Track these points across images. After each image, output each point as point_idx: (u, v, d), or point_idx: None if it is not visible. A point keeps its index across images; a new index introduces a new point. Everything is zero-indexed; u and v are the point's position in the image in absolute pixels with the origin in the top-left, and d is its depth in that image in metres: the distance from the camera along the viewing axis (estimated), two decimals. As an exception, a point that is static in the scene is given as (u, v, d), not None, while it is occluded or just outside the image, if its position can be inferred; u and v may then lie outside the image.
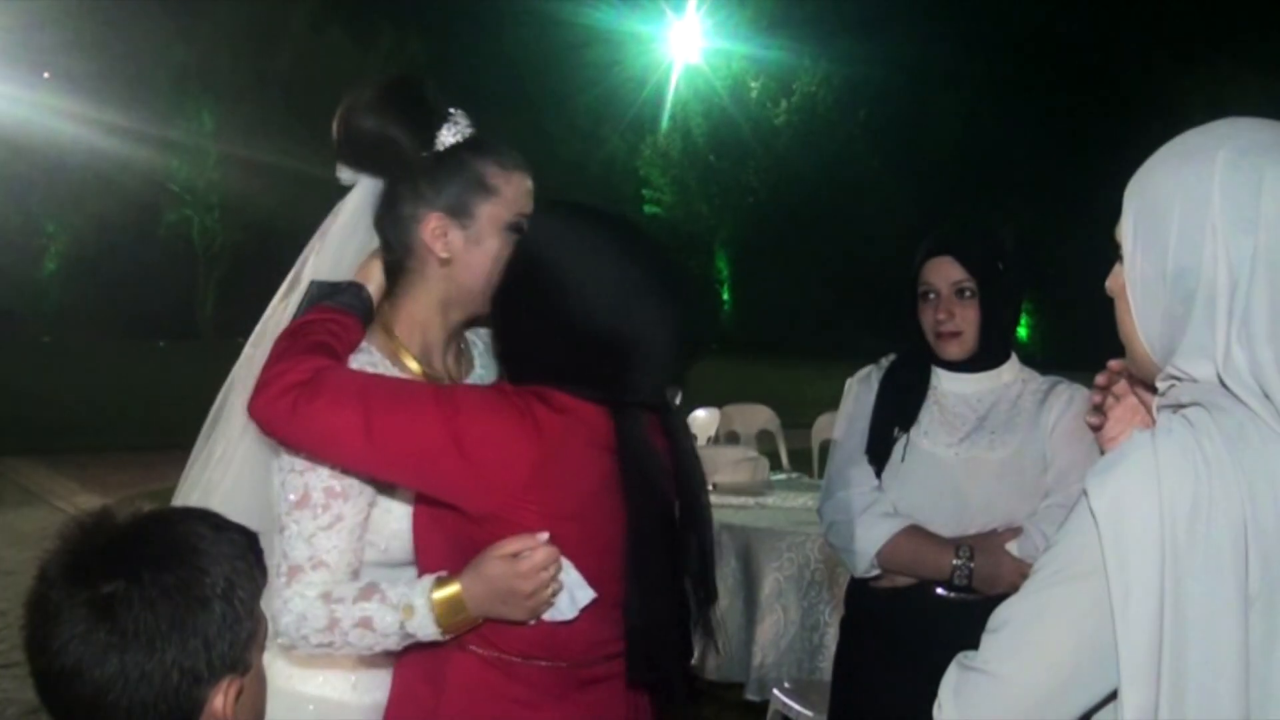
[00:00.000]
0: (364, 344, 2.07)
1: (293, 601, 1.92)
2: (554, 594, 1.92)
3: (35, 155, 27.11)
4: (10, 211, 28.68)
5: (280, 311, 2.19)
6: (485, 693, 1.96)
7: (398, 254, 2.12)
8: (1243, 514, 1.35)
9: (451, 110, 2.14)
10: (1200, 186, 1.45)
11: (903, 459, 2.93)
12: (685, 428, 2.16)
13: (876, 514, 2.90)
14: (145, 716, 1.50)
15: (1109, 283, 1.59)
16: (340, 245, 2.19)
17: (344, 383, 1.91)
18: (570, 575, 1.93)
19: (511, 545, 1.89)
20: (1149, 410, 1.63)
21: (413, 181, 2.10)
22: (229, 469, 2.18)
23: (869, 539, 2.88)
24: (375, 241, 2.17)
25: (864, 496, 2.94)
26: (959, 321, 2.89)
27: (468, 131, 2.15)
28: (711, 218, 37.68)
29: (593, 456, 1.95)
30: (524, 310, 2.00)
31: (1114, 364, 1.71)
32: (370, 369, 2.03)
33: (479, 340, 2.31)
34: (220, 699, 1.55)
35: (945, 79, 33.00)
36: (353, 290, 2.10)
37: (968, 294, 2.88)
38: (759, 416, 8.48)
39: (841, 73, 35.02)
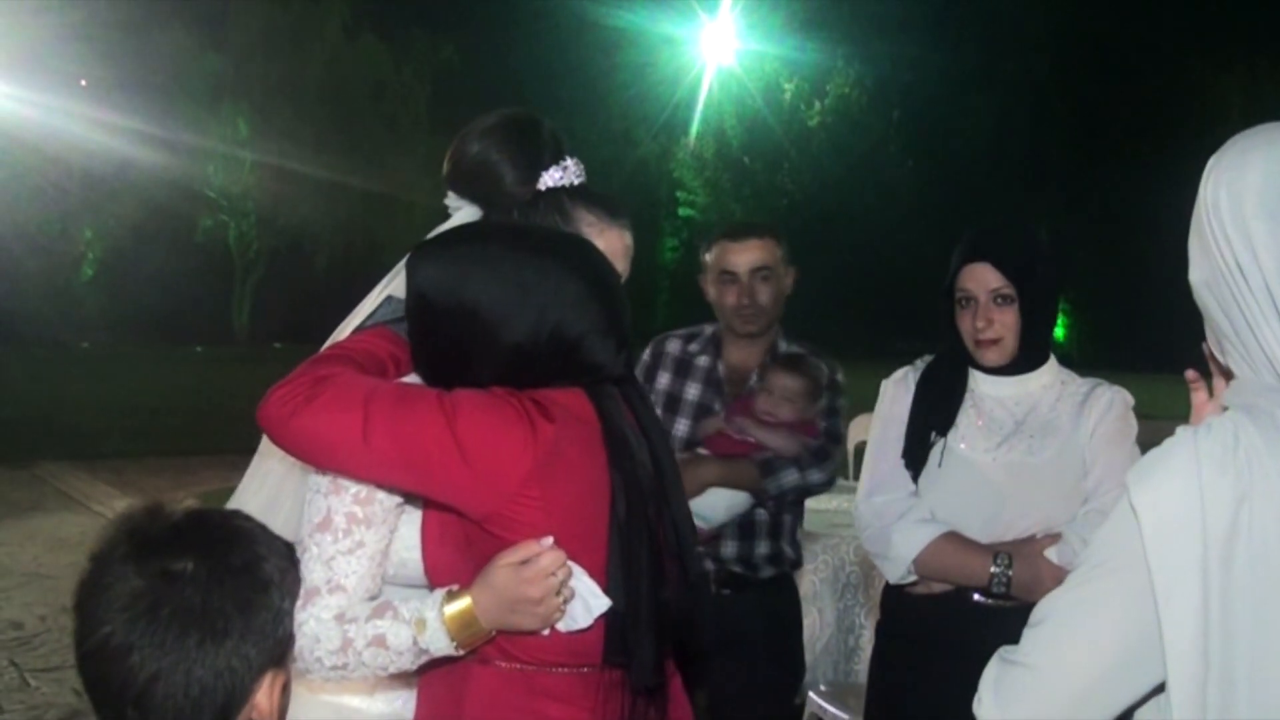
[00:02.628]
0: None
1: (307, 624, 1.87)
2: (565, 601, 1.89)
3: (72, 162, 27.30)
4: (47, 219, 28.90)
5: (355, 321, 2.18)
6: (507, 706, 1.93)
7: None
8: None
9: (567, 156, 2.15)
10: (1203, 192, 1.49)
11: (940, 463, 2.90)
12: (646, 397, 2.13)
13: (913, 520, 2.88)
14: (200, 699, 1.48)
15: None
16: None
17: (348, 387, 1.88)
18: (583, 583, 1.90)
19: (517, 553, 1.87)
20: None
21: (507, 215, 2.11)
22: (283, 487, 2.16)
23: (906, 545, 2.86)
24: None
25: (900, 502, 2.92)
26: (998, 328, 2.85)
27: (575, 179, 2.15)
28: (745, 220, 37.63)
29: (588, 448, 1.94)
30: (456, 352, 1.96)
31: None
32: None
33: None
34: (264, 691, 1.55)
35: (978, 80, 32.89)
36: None
37: (1006, 300, 2.85)
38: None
39: (875, 74, 34.95)
